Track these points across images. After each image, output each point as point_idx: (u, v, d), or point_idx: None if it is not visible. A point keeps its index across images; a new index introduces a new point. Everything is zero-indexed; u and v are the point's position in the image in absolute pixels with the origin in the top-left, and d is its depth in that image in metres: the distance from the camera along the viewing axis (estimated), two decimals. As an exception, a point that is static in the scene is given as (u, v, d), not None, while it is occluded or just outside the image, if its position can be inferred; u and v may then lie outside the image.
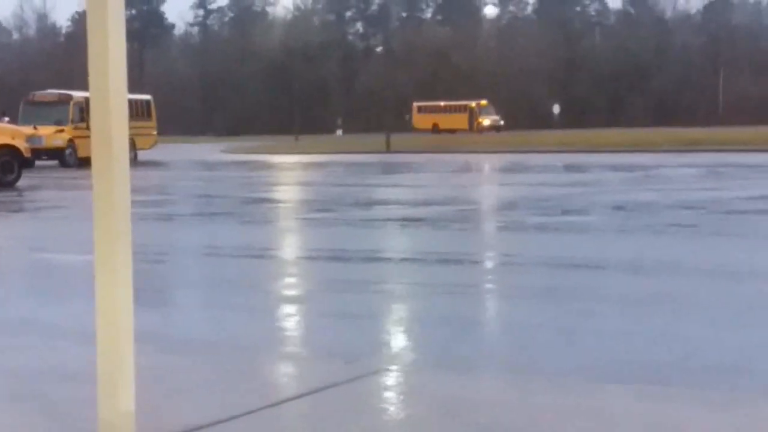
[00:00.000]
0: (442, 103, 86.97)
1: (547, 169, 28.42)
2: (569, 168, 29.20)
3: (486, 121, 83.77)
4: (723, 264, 8.99)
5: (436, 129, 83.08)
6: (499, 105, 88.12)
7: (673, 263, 9.03)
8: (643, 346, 5.57)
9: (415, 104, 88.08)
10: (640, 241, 11.00)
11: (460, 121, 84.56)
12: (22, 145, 24.41)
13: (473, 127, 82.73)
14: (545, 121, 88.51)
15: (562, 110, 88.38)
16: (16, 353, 5.34)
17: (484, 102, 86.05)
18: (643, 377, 4.82)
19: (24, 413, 4.06)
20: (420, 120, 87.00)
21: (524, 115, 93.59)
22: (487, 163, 34.54)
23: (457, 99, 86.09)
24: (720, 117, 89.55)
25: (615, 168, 28.07)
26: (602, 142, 47.23)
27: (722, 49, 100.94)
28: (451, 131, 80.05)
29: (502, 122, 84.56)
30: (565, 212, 14.78)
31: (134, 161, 37.56)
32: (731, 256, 9.54)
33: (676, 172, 25.30)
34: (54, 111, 37.07)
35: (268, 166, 35.41)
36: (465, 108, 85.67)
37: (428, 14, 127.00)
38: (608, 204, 15.83)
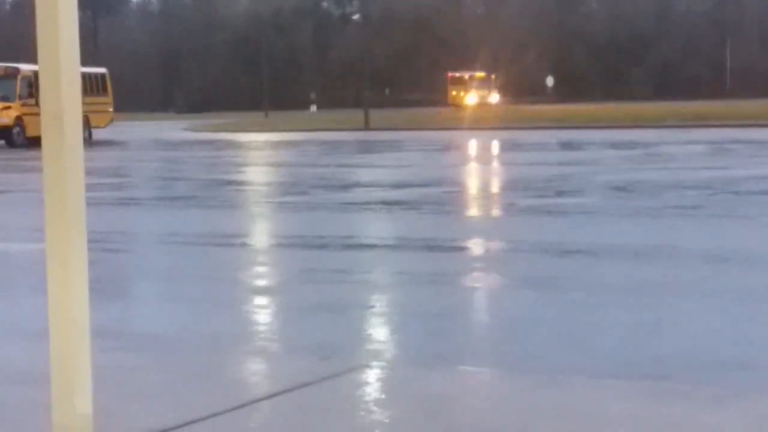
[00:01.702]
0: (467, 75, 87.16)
1: (541, 147, 28.48)
2: (564, 145, 29.28)
3: (493, 97, 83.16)
4: (730, 249, 9.04)
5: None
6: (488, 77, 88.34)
7: (676, 248, 9.08)
8: (642, 338, 5.61)
9: (450, 74, 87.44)
10: (640, 224, 11.05)
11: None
12: (-36, 123, 24.27)
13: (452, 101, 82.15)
14: (538, 95, 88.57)
15: (556, 83, 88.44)
16: (-40, 352, 5.32)
17: (480, 74, 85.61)
18: (642, 372, 4.85)
19: (-30, 417, 4.05)
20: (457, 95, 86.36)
21: (515, 89, 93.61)
22: (475, 140, 34.58)
23: (440, 71, 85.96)
24: (726, 90, 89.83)
25: (613, 145, 28.16)
26: (600, 117, 47.36)
27: (729, 17, 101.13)
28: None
29: (493, 99, 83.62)
30: (560, 194, 14.82)
31: (89, 140, 37.40)
32: (738, 241, 9.60)
33: (679, 150, 25.41)
34: (0, 86, 36.84)
35: (236, 146, 35.34)
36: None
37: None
38: (606, 184, 15.89)
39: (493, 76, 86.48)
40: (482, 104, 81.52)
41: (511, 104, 79.63)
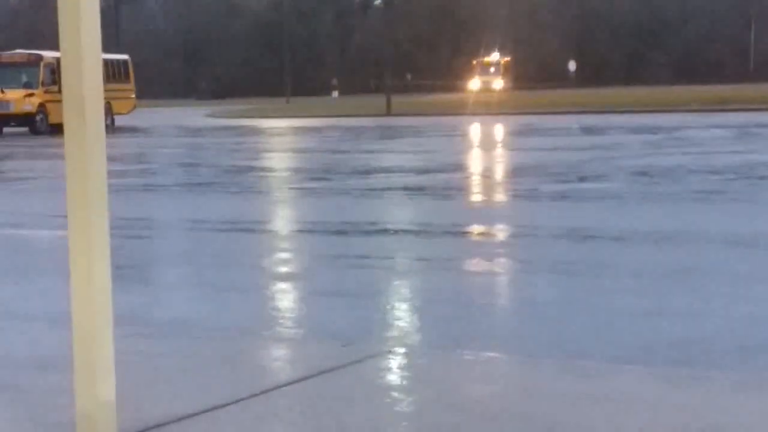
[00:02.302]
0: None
1: (563, 132, 28.40)
2: (586, 130, 29.17)
3: (496, 83, 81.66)
4: (753, 234, 8.99)
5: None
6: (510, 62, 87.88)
7: (700, 234, 9.04)
8: (666, 324, 5.59)
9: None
10: (663, 209, 11.00)
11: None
12: (-12, 110, 24.37)
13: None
14: (559, 80, 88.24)
15: (578, 67, 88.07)
16: (-16, 338, 5.35)
17: (486, 60, 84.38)
18: (666, 358, 4.83)
19: (-6, 403, 4.07)
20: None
21: (536, 73, 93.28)
22: (497, 125, 34.49)
23: (461, 56, 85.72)
24: (750, 73, 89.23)
25: (636, 130, 28.04)
26: (622, 102, 47.16)
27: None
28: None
29: (497, 85, 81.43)
30: (582, 179, 14.77)
31: (111, 127, 37.51)
32: (762, 225, 9.55)
33: (702, 134, 25.27)
34: (23, 73, 36.95)
35: (258, 132, 35.38)
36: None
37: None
38: (629, 169, 15.82)
39: (502, 62, 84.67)
40: (485, 90, 79.51)
41: (524, 89, 79.03)
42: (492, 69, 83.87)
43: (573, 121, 34.84)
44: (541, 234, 9.46)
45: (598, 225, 9.76)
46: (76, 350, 3.44)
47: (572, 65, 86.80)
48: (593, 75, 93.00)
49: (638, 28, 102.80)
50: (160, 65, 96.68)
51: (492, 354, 5.02)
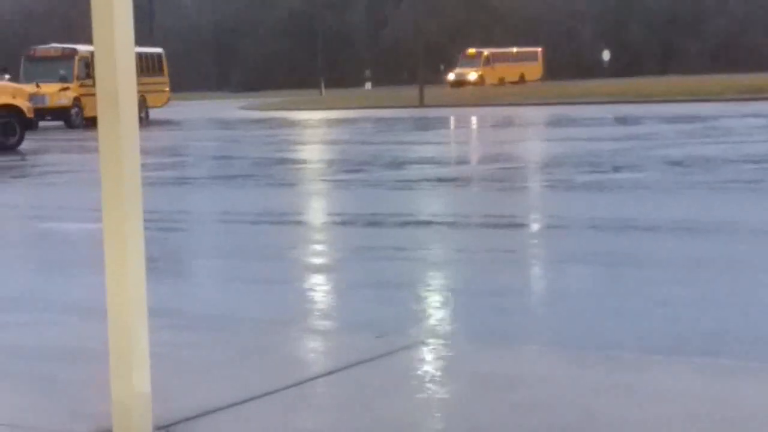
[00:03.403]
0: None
1: (597, 122, 28.27)
2: (621, 120, 29.03)
3: (471, 75, 79.20)
4: (790, 224, 8.93)
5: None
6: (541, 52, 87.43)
7: (735, 224, 8.98)
8: (700, 315, 5.56)
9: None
10: (698, 199, 10.94)
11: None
12: (24, 104, 24.55)
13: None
14: (593, 69, 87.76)
15: (612, 57, 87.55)
16: (20, 330, 5.40)
17: (471, 51, 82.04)
18: (700, 349, 4.81)
19: (30, 395, 4.11)
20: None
21: (570, 63, 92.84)
22: (530, 116, 34.39)
23: (495, 46, 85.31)
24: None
25: (671, 119, 27.87)
26: (657, 92, 46.88)
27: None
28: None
29: (471, 76, 78.74)
30: (617, 169, 14.71)
31: (145, 120, 37.72)
32: (799, 215, 9.47)
33: (738, 123, 25.08)
34: (58, 67, 37.18)
35: (291, 124, 35.44)
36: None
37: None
38: (663, 159, 15.73)
39: (485, 53, 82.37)
40: (461, 82, 77.94)
41: (566, 80, 78.39)
42: (474, 60, 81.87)
43: (607, 111, 34.67)
44: (575, 225, 9.43)
45: (632, 215, 9.72)
46: (111, 342, 3.47)
47: (606, 55, 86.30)
48: (628, 65, 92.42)
49: (673, 17, 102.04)
50: (193, 58, 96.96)
51: (525, 345, 5.02)
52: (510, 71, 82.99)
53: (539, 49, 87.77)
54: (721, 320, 5.42)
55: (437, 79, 78.37)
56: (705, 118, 27.52)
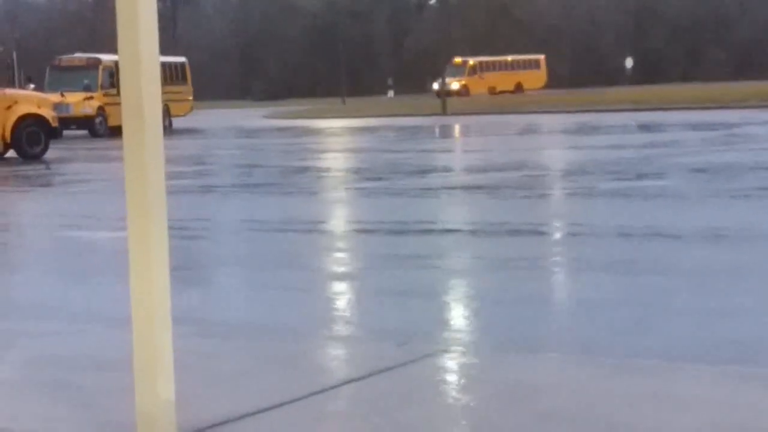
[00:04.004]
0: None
1: (620, 130, 28.18)
2: (644, 128, 28.93)
3: (454, 85, 74.46)
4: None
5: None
6: (564, 59, 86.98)
7: (759, 232, 8.93)
8: (723, 323, 5.54)
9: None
10: (722, 207, 10.89)
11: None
12: (49, 114, 24.68)
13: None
14: (615, 77, 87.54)
15: (634, 64, 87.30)
16: (45, 339, 5.42)
17: (472, 62, 78.76)
18: (723, 357, 4.79)
19: (55, 403, 4.13)
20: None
21: (592, 71, 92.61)
22: (553, 124, 34.32)
23: (517, 55, 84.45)
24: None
25: (694, 127, 27.76)
26: (680, 99, 46.68)
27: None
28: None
29: (454, 86, 74.13)
30: (640, 176, 14.66)
31: (168, 129, 37.83)
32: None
33: (762, 130, 24.95)
34: (82, 76, 37.36)
35: (314, 132, 35.49)
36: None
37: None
38: (687, 167, 15.67)
39: (470, 63, 78.90)
40: (445, 92, 76.62)
41: (588, 87, 77.88)
42: (459, 70, 78.31)
43: (630, 118, 34.57)
44: (598, 232, 9.40)
45: (656, 223, 9.68)
46: (136, 350, 3.48)
47: (629, 62, 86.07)
48: (650, 72, 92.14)
49: (696, 24, 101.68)
50: (216, 67, 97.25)
51: (549, 353, 5.01)
52: (503, 80, 79.30)
53: (541, 57, 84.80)
54: (746, 328, 5.39)
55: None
56: (728, 126, 27.39)
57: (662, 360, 4.71)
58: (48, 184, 18.31)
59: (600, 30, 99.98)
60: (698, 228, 9.27)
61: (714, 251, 8.03)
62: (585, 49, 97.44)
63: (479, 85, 77.28)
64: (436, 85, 76.04)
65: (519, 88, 79.77)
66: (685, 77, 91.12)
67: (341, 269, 7.99)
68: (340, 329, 5.77)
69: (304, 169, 18.81)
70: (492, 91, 76.54)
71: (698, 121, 30.85)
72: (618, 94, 57.30)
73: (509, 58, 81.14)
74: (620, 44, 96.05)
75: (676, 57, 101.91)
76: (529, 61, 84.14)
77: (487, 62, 79.71)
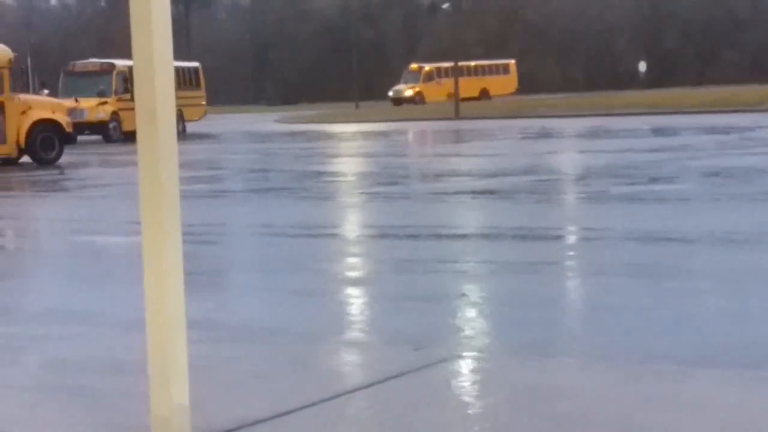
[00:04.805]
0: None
1: (633, 133, 28.13)
2: (657, 131, 28.87)
3: (407, 92, 73.50)
4: (830, 235, 8.84)
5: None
6: (577, 63, 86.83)
7: (774, 235, 8.91)
8: (739, 327, 5.51)
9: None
10: (736, 211, 10.85)
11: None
12: (63, 119, 24.77)
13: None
14: (628, 80, 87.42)
15: (647, 67, 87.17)
16: (60, 343, 5.43)
17: (428, 68, 75.61)
18: (739, 361, 4.76)
19: (69, 407, 4.13)
20: None
21: (606, 74, 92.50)
22: (566, 128, 34.26)
23: (531, 59, 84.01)
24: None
25: (708, 130, 27.69)
26: (693, 102, 46.59)
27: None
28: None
29: (407, 93, 73.29)
30: (653, 180, 14.63)
31: (182, 134, 37.91)
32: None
33: (776, 134, 24.88)
34: (96, 82, 37.48)
35: (327, 137, 35.51)
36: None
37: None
38: (701, 170, 15.63)
39: (426, 69, 75.70)
40: (399, 99, 73.03)
41: (601, 91, 77.52)
42: (415, 76, 76.02)
43: (644, 122, 34.50)
44: (612, 236, 9.38)
45: (670, 227, 9.65)
46: (150, 355, 3.49)
47: (643, 66, 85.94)
48: (664, 75, 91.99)
49: (710, 27, 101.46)
50: (229, 71, 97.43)
51: (564, 358, 4.99)
52: (466, 86, 70.94)
53: (511, 61, 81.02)
54: (762, 332, 5.37)
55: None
56: (742, 129, 27.31)
57: (678, 363, 4.69)
58: (62, 189, 18.36)
59: (613, 33, 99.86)
60: (712, 231, 9.24)
61: (729, 255, 8.00)
62: (598, 53, 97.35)
63: (436, 92, 73.04)
64: (391, 93, 74.65)
65: (485, 94, 75.78)
66: (699, 80, 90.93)
67: (355, 274, 7.98)
68: (355, 333, 5.76)
69: (318, 174, 18.81)
70: (451, 98, 72.06)
71: (712, 124, 30.77)
72: (632, 97, 57.21)
73: (472, 63, 76.34)
74: (634, 47, 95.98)
75: (689, 60, 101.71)
76: (497, 66, 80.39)
77: (446, 68, 73.19)
